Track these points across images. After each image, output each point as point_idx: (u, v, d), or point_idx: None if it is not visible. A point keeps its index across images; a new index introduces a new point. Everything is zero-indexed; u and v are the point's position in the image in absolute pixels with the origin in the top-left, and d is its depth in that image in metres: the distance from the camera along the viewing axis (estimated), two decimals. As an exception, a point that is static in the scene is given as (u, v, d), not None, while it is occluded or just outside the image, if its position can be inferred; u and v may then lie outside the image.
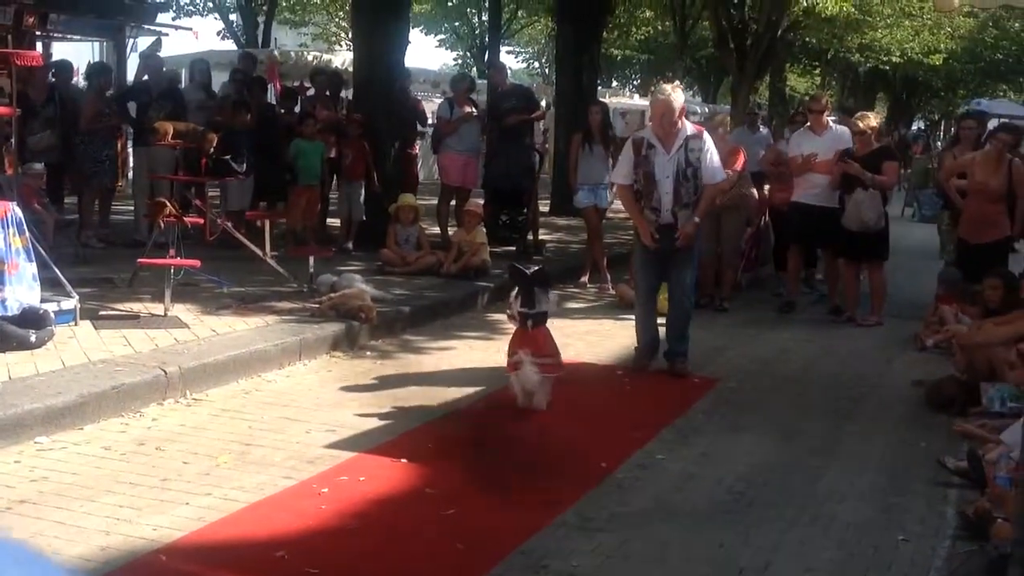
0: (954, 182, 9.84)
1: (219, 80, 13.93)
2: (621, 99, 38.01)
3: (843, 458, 5.86)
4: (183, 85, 12.81)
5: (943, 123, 56.22)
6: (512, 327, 6.89)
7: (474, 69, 34.85)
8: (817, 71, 43.83)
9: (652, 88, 8.10)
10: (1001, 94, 43.43)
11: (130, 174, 13.31)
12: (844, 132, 10.47)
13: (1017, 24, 39.89)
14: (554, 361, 6.67)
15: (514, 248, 11.95)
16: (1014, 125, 10.40)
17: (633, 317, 9.25)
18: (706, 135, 7.66)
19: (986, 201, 9.26)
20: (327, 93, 13.05)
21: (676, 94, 7.48)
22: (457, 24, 37.59)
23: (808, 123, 10.34)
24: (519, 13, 35.70)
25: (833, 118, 11.05)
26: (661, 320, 7.97)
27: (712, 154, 7.56)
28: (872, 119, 10.32)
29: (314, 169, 11.44)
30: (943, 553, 4.56)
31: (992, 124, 12.74)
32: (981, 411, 6.72)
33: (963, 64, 41.30)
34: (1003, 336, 6.89)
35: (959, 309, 8.69)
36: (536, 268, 6.97)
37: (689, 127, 7.56)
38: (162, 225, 8.50)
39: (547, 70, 41.12)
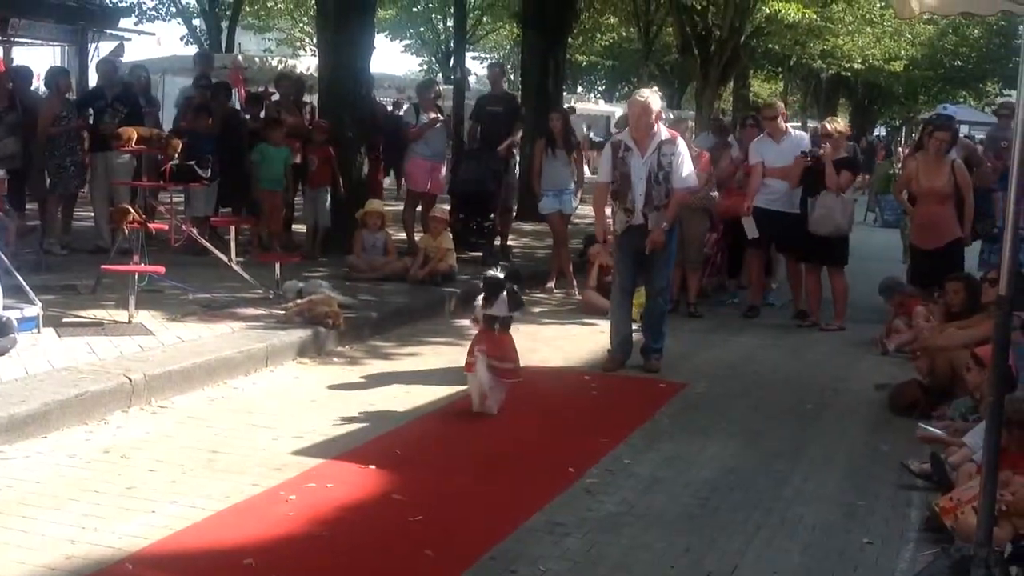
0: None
1: (179, 85, 13.92)
2: (586, 105, 38.11)
3: (808, 462, 5.91)
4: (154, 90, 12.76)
5: (904, 129, 56.85)
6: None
7: (440, 75, 34.86)
8: (780, 77, 44.21)
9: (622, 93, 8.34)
10: (961, 100, 44.00)
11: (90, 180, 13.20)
12: (803, 138, 10.58)
13: (977, 31, 40.49)
14: (513, 367, 6.66)
15: (480, 253, 11.95)
16: (947, 122, 10.34)
17: (599, 322, 9.32)
18: (680, 141, 7.85)
19: (934, 204, 9.34)
20: (292, 99, 12.99)
21: (653, 98, 7.70)
22: (422, 30, 37.58)
23: (767, 130, 10.40)
24: (484, 19, 35.75)
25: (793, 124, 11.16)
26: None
27: (684, 159, 7.76)
28: (842, 123, 10.45)
29: (276, 174, 11.39)
30: (907, 555, 4.61)
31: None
32: (943, 415, 6.81)
33: (923, 71, 41.86)
34: (964, 340, 6.97)
35: (930, 311, 8.77)
36: (511, 271, 7.06)
37: (664, 132, 7.76)
38: (126, 231, 8.44)
39: (512, 76, 41.17)
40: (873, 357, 8.88)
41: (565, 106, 15.51)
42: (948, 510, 4.65)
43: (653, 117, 7.62)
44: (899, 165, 20.83)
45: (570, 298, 10.89)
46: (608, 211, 8.33)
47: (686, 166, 7.80)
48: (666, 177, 7.67)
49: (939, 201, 9.33)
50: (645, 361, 8.01)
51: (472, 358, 6.50)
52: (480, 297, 6.76)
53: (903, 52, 36.42)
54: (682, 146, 7.84)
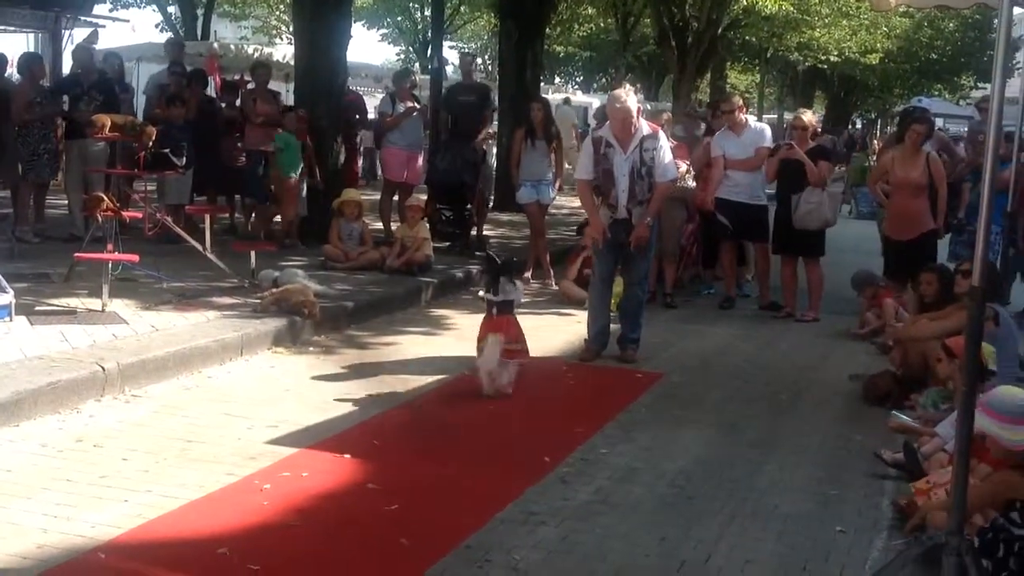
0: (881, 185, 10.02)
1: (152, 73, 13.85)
2: (564, 95, 38.03)
3: (782, 451, 5.94)
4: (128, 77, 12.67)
5: (880, 121, 57.15)
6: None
7: (417, 64, 34.77)
8: (757, 69, 44.33)
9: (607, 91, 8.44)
10: (936, 93, 44.21)
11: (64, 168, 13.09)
12: (763, 130, 10.64)
13: (952, 24, 40.70)
14: (519, 347, 6.90)
15: (457, 243, 11.93)
16: (924, 115, 10.44)
17: (576, 312, 9.34)
18: (661, 134, 7.94)
19: (909, 196, 9.40)
20: (268, 87, 12.92)
21: (631, 99, 7.78)
22: (400, 19, 37.49)
23: (727, 123, 10.44)
24: (462, 8, 35.66)
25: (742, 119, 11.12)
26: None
27: (665, 152, 7.86)
28: (810, 116, 10.51)
29: (296, 161, 11.45)
30: (880, 544, 4.65)
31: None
32: (916, 405, 6.86)
33: (899, 63, 42.03)
34: (937, 331, 7.00)
35: (900, 303, 8.84)
36: (507, 258, 7.37)
37: (645, 127, 7.84)
38: (99, 219, 8.37)
39: (490, 66, 41.11)
40: (847, 347, 8.94)
41: (560, 95, 15.53)
42: (922, 491, 4.69)
43: (635, 118, 7.71)
44: (874, 157, 20.97)
45: (547, 288, 10.90)
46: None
47: (667, 158, 7.90)
48: (648, 172, 7.76)
49: (914, 193, 9.39)
50: (622, 351, 8.04)
51: (482, 342, 6.77)
52: (485, 281, 7.21)
53: (879, 45, 36.55)
54: (663, 139, 7.93)
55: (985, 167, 3.76)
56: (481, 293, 7.27)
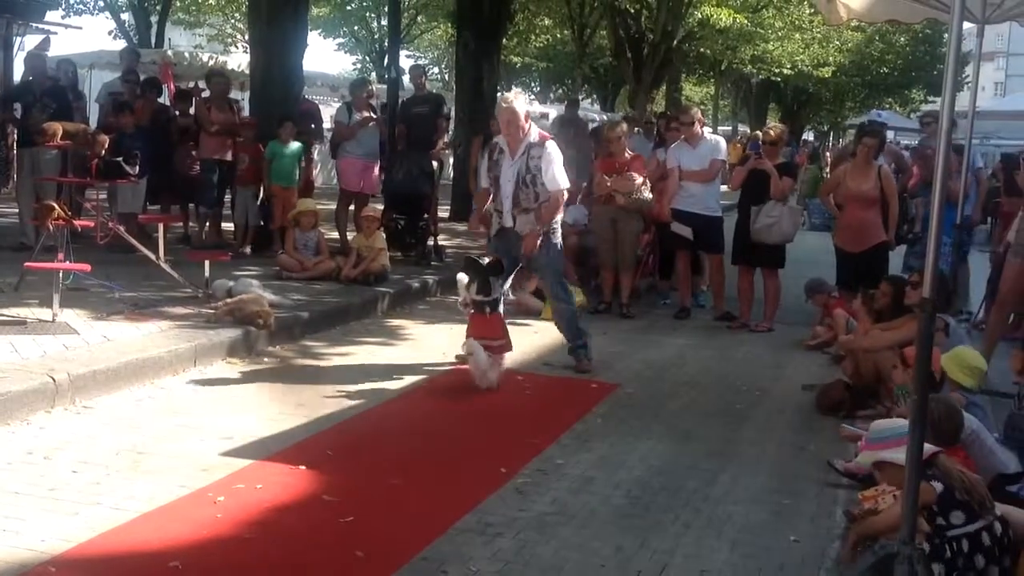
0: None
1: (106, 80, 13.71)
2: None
3: (737, 461, 5.98)
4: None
5: (832, 134, 57.84)
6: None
7: (373, 74, 34.70)
8: (712, 81, 44.70)
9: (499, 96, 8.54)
10: (887, 107, 44.81)
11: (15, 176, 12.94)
12: (718, 142, 10.73)
13: (903, 39, 41.31)
14: (502, 343, 7.34)
15: (413, 253, 11.91)
16: (876, 128, 10.67)
17: (532, 322, 9.39)
18: (549, 143, 7.76)
19: (861, 208, 9.54)
20: (227, 95, 12.83)
21: (519, 101, 7.79)
22: (356, 28, 37.39)
23: (683, 135, 10.52)
24: (419, 18, 35.70)
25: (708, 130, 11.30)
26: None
27: (553, 162, 7.67)
28: (781, 129, 10.63)
29: (287, 171, 11.51)
30: (833, 553, 4.68)
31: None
32: (868, 414, 6.94)
33: (851, 77, 42.58)
34: (888, 341, 7.10)
35: (849, 313, 8.94)
36: (492, 259, 7.67)
37: (534, 134, 7.74)
38: (50, 228, 8.27)
39: (447, 76, 41.11)
40: (801, 358, 9.02)
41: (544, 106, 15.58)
42: (869, 498, 4.74)
43: (522, 120, 7.61)
44: (828, 170, 21.21)
45: (504, 299, 10.87)
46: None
47: (556, 168, 7.68)
48: (533, 180, 7.64)
49: (865, 205, 9.51)
50: (576, 362, 8.04)
51: (468, 345, 7.19)
52: (465, 284, 7.43)
53: (831, 58, 37.04)
54: (551, 148, 7.72)
55: (935, 180, 3.81)
56: (470, 297, 7.38)
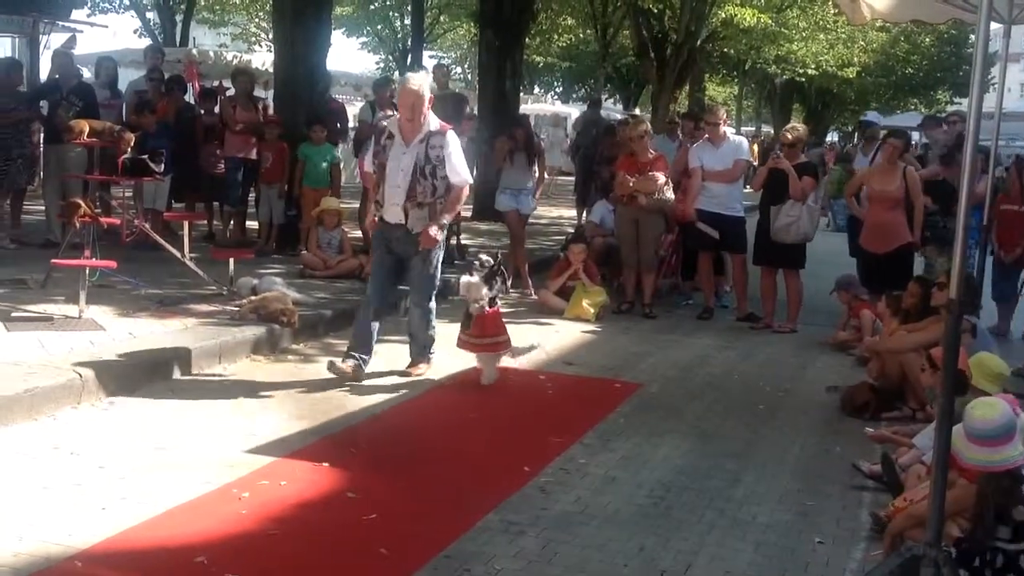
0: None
1: (131, 78, 13.79)
2: (543, 106, 38.17)
3: (761, 462, 5.96)
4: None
5: (855, 135, 57.46)
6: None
7: (396, 73, 34.70)
8: (735, 81, 44.56)
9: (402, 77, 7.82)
10: (912, 107, 44.53)
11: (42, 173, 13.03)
12: (741, 143, 10.70)
13: (928, 39, 41.05)
14: (494, 340, 7.34)
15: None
16: (902, 130, 10.72)
17: (555, 321, 9.38)
18: (450, 133, 7.11)
19: (885, 209, 9.50)
20: (251, 94, 12.88)
21: (426, 83, 7.07)
22: (380, 27, 37.42)
23: (707, 135, 10.50)
24: (442, 18, 35.70)
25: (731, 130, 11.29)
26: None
27: (456, 153, 7.06)
28: (801, 131, 10.59)
29: (320, 172, 11.55)
30: (858, 555, 4.67)
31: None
32: (893, 416, 6.91)
33: (876, 77, 42.33)
34: (914, 343, 7.06)
35: (876, 314, 8.89)
36: (495, 259, 7.67)
37: (434, 122, 7.06)
38: (77, 225, 8.32)
39: (470, 75, 41.12)
40: (825, 359, 8.97)
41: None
42: (900, 509, 4.71)
43: (426, 105, 6.92)
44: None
45: (526, 298, 10.90)
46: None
47: (459, 159, 7.05)
48: (433, 171, 6.93)
49: (890, 206, 9.47)
50: (413, 364, 7.52)
51: (479, 343, 7.32)
52: (478, 282, 7.30)
53: (856, 59, 36.80)
54: (452, 138, 7.06)
55: (962, 181, 3.79)
56: (486, 297, 7.35)
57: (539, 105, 38.38)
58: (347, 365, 7.10)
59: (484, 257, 7.57)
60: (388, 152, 7.00)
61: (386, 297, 7.50)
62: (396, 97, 7.10)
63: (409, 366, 7.53)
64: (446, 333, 8.55)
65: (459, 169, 7.05)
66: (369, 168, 7.32)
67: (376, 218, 7.27)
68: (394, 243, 7.18)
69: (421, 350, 7.55)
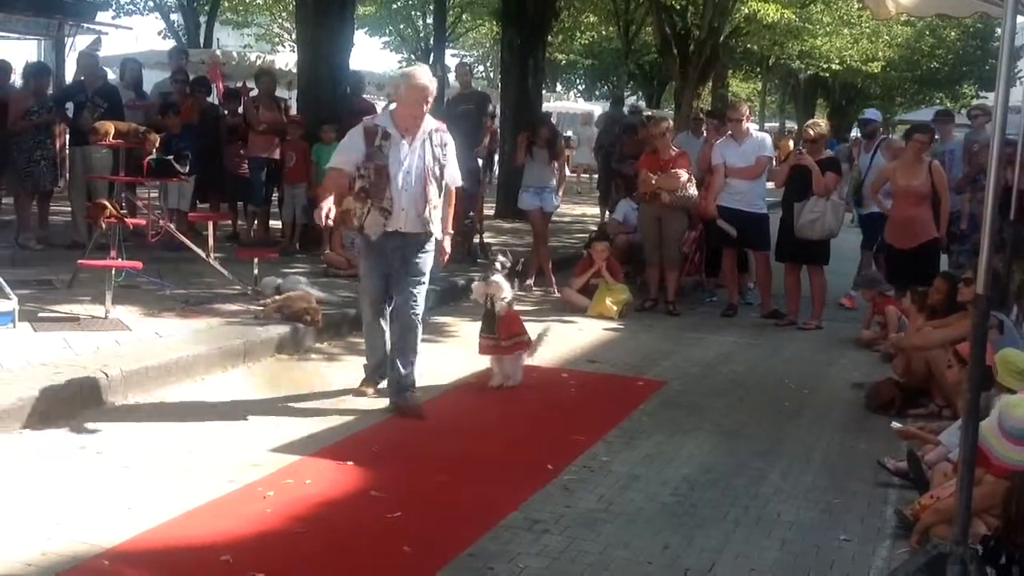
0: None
1: (155, 80, 13.88)
2: (565, 103, 38.13)
3: (785, 459, 5.93)
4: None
5: (882, 129, 57.03)
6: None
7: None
8: (759, 77, 44.36)
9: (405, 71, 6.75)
10: (937, 102, 44.20)
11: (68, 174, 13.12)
12: (765, 139, 10.64)
13: (953, 33, 40.74)
14: (520, 339, 7.31)
15: (459, 251, 11.91)
16: (927, 125, 10.64)
17: (578, 319, 9.37)
18: (446, 132, 6.64)
19: (911, 204, 9.43)
20: (274, 94, 12.93)
21: (433, 79, 6.48)
22: (402, 27, 37.46)
23: (730, 131, 10.45)
24: (464, 16, 35.68)
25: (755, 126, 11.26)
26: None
27: (453, 155, 6.64)
28: (823, 127, 10.53)
29: None
30: (883, 553, 4.65)
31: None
32: (919, 413, 6.86)
33: (901, 72, 42.04)
34: (940, 339, 7.01)
35: (901, 310, 8.83)
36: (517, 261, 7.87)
37: (430, 119, 6.53)
38: (103, 226, 8.38)
39: (492, 74, 41.13)
40: (850, 355, 8.92)
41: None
42: (927, 507, 4.68)
43: (431, 100, 6.41)
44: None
45: (549, 295, 10.89)
46: (358, 210, 6.43)
47: (455, 162, 6.65)
48: (441, 172, 6.45)
49: (916, 201, 9.40)
50: (398, 401, 6.54)
51: (502, 344, 7.23)
52: (500, 282, 7.28)
53: (880, 53, 36.57)
54: (451, 138, 6.64)
55: (989, 176, 3.76)
56: (509, 296, 7.37)
57: (561, 103, 38.34)
58: (371, 392, 6.77)
59: (502, 258, 7.55)
60: (386, 153, 6.32)
61: (387, 301, 6.74)
62: (396, 93, 6.63)
63: (399, 407, 6.50)
64: (465, 330, 8.58)
65: (454, 173, 6.66)
66: (346, 167, 6.45)
67: (379, 229, 6.37)
68: (397, 253, 6.46)
69: (404, 381, 6.59)
